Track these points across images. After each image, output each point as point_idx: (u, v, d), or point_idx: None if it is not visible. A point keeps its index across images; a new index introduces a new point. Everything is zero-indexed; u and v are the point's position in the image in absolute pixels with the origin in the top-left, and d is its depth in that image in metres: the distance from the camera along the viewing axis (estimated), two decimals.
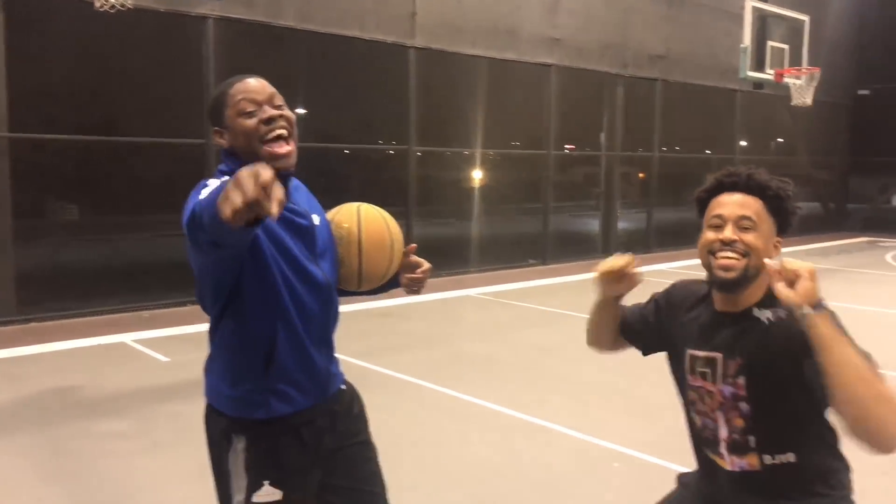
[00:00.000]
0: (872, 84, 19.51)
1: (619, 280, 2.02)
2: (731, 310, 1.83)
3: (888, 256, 14.78)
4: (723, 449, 1.84)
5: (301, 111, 14.58)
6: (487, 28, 11.49)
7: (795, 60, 12.45)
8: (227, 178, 1.54)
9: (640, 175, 15.86)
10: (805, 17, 12.77)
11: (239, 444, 1.88)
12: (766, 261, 1.66)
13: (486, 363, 6.58)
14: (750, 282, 1.78)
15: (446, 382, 5.86)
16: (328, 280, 1.99)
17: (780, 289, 1.58)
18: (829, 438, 1.81)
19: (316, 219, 2.00)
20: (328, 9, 9.68)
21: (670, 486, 2.24)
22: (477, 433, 4.86)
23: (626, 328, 2.12)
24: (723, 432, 1.82)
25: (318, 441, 1.96)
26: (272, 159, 1.81)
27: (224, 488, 1.93)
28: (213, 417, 1.95)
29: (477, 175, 12.88)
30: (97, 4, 5.79)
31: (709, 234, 1.81)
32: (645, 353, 2.15)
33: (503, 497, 3.93)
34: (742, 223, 1.77)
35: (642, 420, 5.14)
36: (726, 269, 1.75)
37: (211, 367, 1.97)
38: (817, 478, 1.78)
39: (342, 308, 2.13)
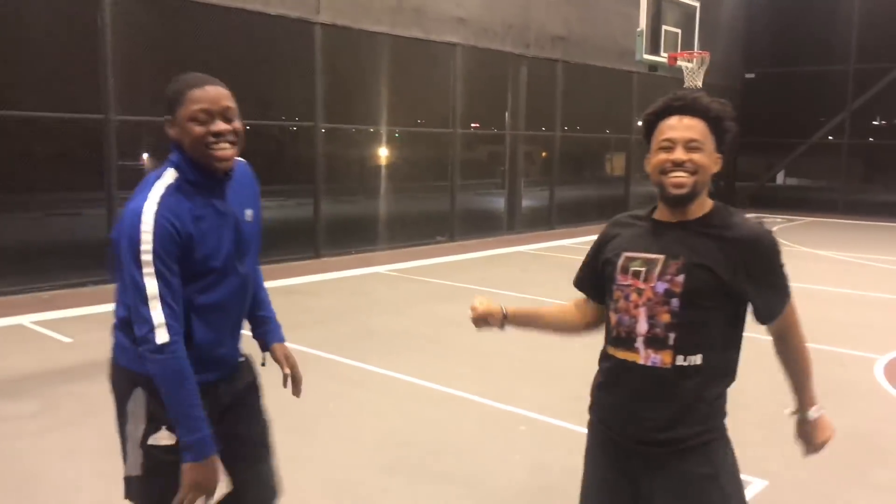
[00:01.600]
0: (759, 68, 20.61)
1: (488, 319, 2.34)
2: (677, 220, 2.01)
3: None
4: (639, 343, 1.97)
5: None
6: (393, 6, 11.52)
7: (688, 44, 13.04)
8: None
9: (543, 154, 16.26)
10: (696, 3, 13.37)
11: (141, 393, 2.06)
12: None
13: (396, 337, 6.73)
14: (697, 196, 1.97)
15: (357, 356, 5.98)
16: (247, 273, 2.22)
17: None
18: (733, 345, 2.02)
19: (248, 214, 2.19)
20: None
21: (571, 444, 2.43)
22: (389, 404, 5.01)
23: (586, 288, 2.24)
24: (642, 327, 1.96)
25: (216, 402, 2.14)
26: (215, 161, 2.03)
27: (123, 430, 2.12)
28: (118, 371, 2.14)
29: (384, 153, 12.94)
30: None
31: (661, 155, 1.98)
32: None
33: (418, 462, 4.11)
34: (690, 144, 1.95)
35: (544, 387, 5.42)
36: (678, 185, 1.94)
37: (122, 327, 2.10)
38: (712, 386, 1.97)
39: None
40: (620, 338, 2.02)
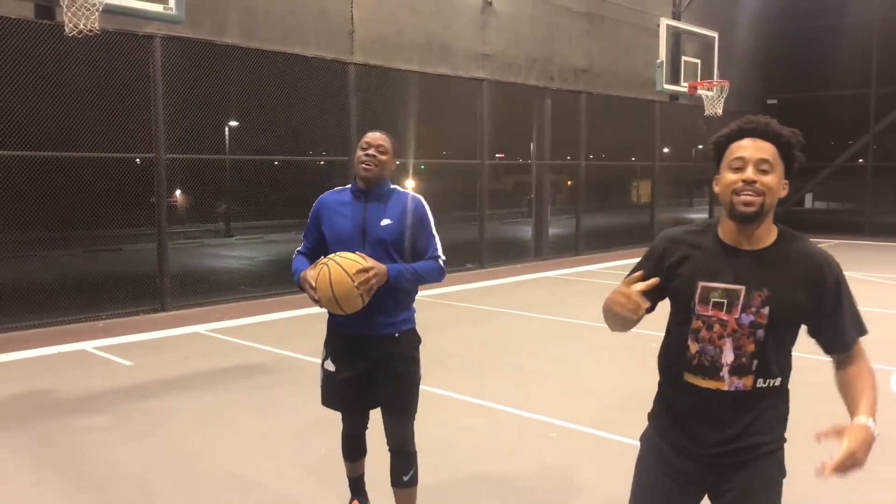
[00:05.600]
0: (780, 94, 20.88)
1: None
2: (746, 246, 2.04)
3: None
4: (724, 372, 2.02)
5: (234, 123, 14.89)
6: (422, 45, 12.09)
7: (707, 73, 13.44)
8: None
9: (569, 182, 16.64)
10: (714, 34, 13.79)
11: (326, 334, 3.41)
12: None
13: (432, 356, 7.11)
14: (765, 217, 2.00)
15: None
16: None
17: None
18: (790, 367, 2.12)
19: (385, 221, 3.19)
20: (271, 27, 10.10)
21: (600, 449, 2.63)
22: (429, 415, 5.38)
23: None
24: (728, 357, 2.02)
25: (362, 351, 3.24)
26: (361, 172, 3.19)
27: None
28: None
29: (410, 185, 13.42)
30: (67, 29, 6.08)
31: (731, 176, 2.00)
32: (653, 309, 2.17)
33: (457, 466, 4.48)
34: (761, 166, 1.98)
35: (574, 398, 5.77)
36: (748, 204, 1.96)
37: None
38: (783, 400, 2.10)
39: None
40: (703, 366, 2.06)
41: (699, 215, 21.98)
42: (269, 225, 19.33)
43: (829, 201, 21.85)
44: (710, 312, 2.04)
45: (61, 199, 8.80)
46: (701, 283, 2.05)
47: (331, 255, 3.03)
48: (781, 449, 2.13)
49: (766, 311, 1.98)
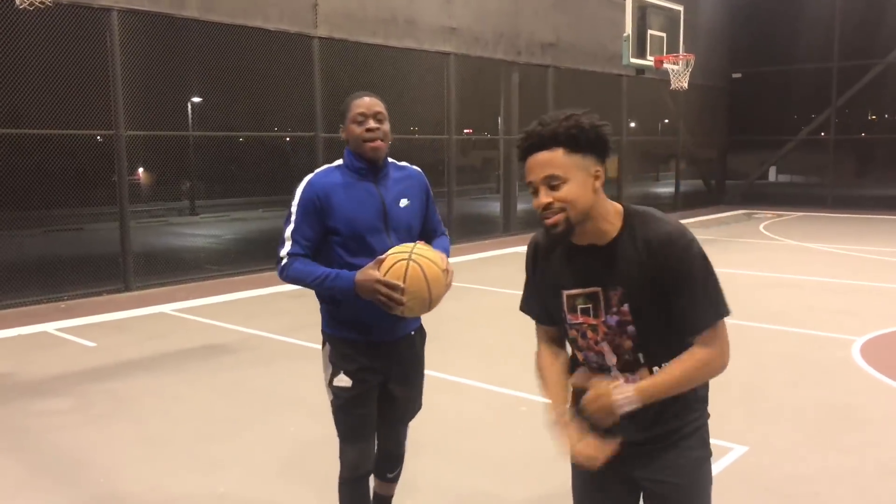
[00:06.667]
0: (745, 68, 21.06)
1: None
2: (591, 244, 1.92)
3: (761, 226, 16.16)
4: (615, 372, 1.97)
5: (196, 99, 14.63)
6: (387, 18, 11.93)
7: (673, 47, 13.45)
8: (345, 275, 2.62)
9: None
10: (680, 7, 13.79)
11: (326, 348, 2.87)
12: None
13: None
14: (583, 224, 1.86)
15: None
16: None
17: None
18: (685, 346, 1.97)
19: (403, 202, 2.81)
20: (231, 0, 9.88)
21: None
22: None
23: (546, 320, 2.15)
24: (611, 359, 1.96)
25: (379, 359, 2.83)
26: (369, 152, 2.71)
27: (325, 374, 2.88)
28: (323, 335, 2.90)
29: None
30: (18, 1, 5.88)
31: (534, 200, 1.88)
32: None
33: (429, 440, 4.47)
34: (550, 182, 1.83)
35: None
36: (553, 226, 1.85)
37: (320, 308, 2.89)
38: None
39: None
40: (594, 371, 2.02)
41: (666, 189, 22.17)
42: (235, 203, 19.08)
43: (793, 174, 22.18)
44: (580, 319, 1.97)
45: (17, 177, 8.56)
46: (565, 293, 1.98)
47: (400, 248, 2.57)
48: (703, 427, 2.04)
49: (626, 307, 1.90)
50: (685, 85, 13.42)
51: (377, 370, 2.82)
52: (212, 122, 13.25)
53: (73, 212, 11.55)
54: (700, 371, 1.89)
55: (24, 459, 4.24)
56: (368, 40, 11.71)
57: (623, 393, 1.86)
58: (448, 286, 2.62)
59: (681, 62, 13.22)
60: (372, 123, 2.69)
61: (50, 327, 7.32)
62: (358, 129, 2.70)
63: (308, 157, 11.35)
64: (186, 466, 4.12)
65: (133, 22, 8.96)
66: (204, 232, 16.58)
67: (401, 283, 2.47)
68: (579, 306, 1.96)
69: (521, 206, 15.75)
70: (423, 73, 13.24)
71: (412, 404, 3.06)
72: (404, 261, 2.49)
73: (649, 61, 12.80)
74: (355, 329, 2.77)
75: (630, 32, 12.34)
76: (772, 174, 22.16)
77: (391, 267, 2.49)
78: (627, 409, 1.87)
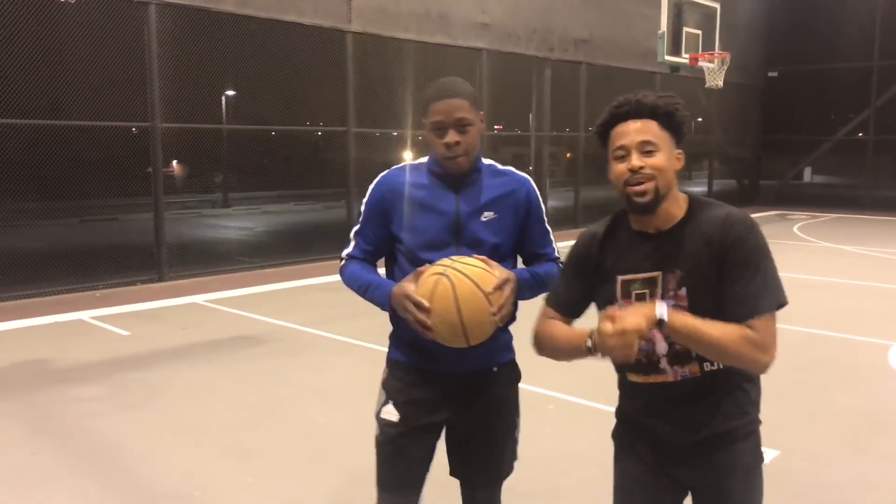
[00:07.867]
0: (780, 66, 20.74)
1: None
2: (656, 229, 1.92)
3: (795, 228, 15.93)
4: (663, 364, 1.91)
5: (230, 93, 14.77)
6: (420, 13, 11.94)
7: (709, 45, 13.29)
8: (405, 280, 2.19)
9: (568, 154, 16.55)
10: (716, 5, 13.62)
11: (385, 370, 2.45)
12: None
13: None
14: (664, 199, 1.87)
15: None
16: None
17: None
18: None
19: (487, 215, 2.32)
20: None
21: (597, 420, 2.54)
22: None
23: (569, 311, 2.08)
24: (661, 347, 1.91)
25: (445, 396, 2.32)
26: (449, 167, 2.26)
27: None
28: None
29: (408, 157, 13.33)
30: None
31: (618, 166, 1.88)
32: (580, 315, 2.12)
33: None
34: (644, 148, 1.85)
35: (569, 371, 5.75)
36: (641, 194, 1.84)
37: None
38: (743, 377, 1.95)
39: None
40: (641, 363, 1.95)
41: (699, 188, 21.92)
42: (267, 196, 19.25)
43: (829, 175, 21.81)
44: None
45: (55, 168, 8.72)
46: (620, 278, 1.95)
47: (441, 262, 2.14)
48: (756, 432, 2.00)
49: (683, 291, 1.86)
50: (720, 83, 13.26)
51: (437, 409, 2.32)
52: (245, 116, 13.37)
53: (109, 202, 11.72)
54: (738, 347, 1.76)
55: (59, 444, 4.33)
56: (401, 35, 11.72)
57: (659, 306, 1.76)
58: (496, 314, 2.11)
59: (716, 60, 13.06)
60: (452, 137, 2.19)
61: (85, 315, 7.45)
62: (436, 142, 2.23)
63: (340, 151, 11.41)
64: (216, 455, 4.18)
65: (170, 15, 9.07)
66: (236, 224, 16.75)
67: (425, 303, 2.08)
68: (634, 292, 1.93)
69: (551, 203, 15.68)
70: (456, 68, 13.22)
71: (492, 461, 2.43)
72: (437, 275, 2.09)
73: (684, 59, 12.67)
74: (416, 353, 2.32)
75: (665, 29, 12.22)
76: (807, 175, 21.82)
77: (424, 282, 2.11)
78: (658, 318, 1.72)
